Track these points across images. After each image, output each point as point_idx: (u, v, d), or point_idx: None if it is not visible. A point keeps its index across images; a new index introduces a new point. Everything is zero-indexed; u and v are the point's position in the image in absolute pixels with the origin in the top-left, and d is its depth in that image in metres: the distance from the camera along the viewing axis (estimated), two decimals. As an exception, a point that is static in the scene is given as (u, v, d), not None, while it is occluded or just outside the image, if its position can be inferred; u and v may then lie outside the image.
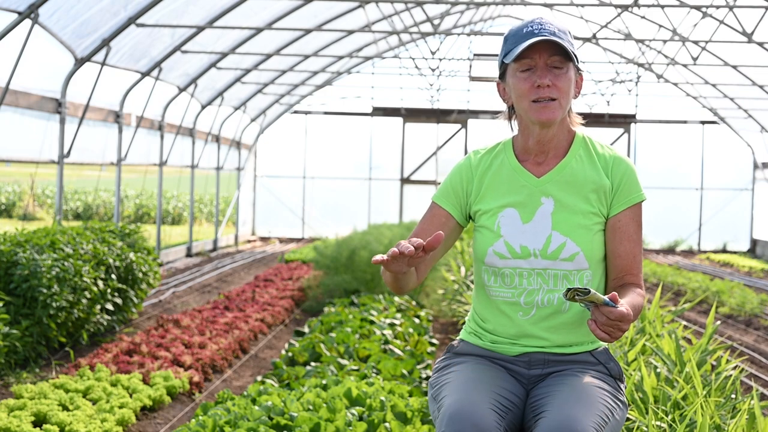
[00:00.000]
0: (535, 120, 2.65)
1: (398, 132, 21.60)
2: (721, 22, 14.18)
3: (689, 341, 8.15)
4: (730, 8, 12.06)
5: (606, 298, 2.37)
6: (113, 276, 8.05)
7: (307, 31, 15.43)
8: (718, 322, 4.98)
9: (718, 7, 12.26)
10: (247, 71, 16.23)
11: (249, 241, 21.26)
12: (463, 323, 5.19)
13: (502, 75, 2.72)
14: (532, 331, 2.68)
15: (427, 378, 6.18)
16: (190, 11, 12.03)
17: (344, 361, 6.41)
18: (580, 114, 2.80)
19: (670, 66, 18.43)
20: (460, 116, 21.27)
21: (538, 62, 2.62)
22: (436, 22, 16.78)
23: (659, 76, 19.84)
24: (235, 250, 19.10)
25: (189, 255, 16.91)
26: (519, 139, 2.77)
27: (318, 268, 11.43)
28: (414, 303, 9.75)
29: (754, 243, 21.73)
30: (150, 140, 14.30)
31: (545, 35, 2.60)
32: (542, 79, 2.60)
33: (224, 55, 14.21)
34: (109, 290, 7.92)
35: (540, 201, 2.68)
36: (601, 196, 2.68)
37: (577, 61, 2.66)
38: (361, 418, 4.66)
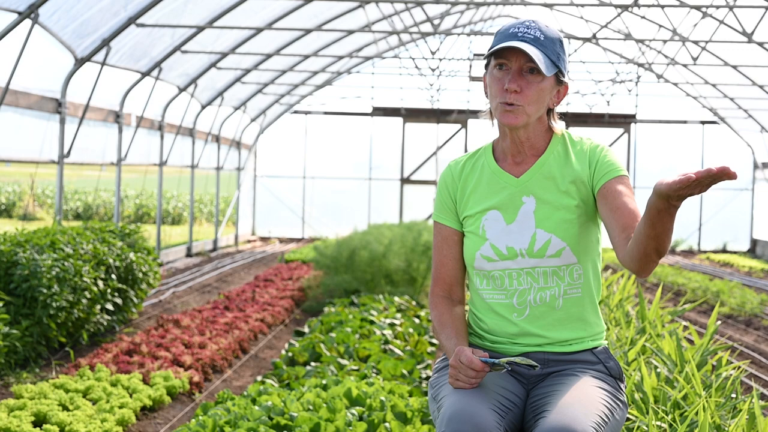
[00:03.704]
0: (499, 121, 2.67)
1: (398, 132, 21.61)
2: (721, 22, 14.18)
3: (690, 341, 8.16)
4: (730, 8, 12.06)
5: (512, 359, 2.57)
6: (113, 276, 8.05)
7: (307, 31, 15.43)
8: (719, 322, 4.98)
9: (718, 7, 12.27)
10: (247, 71, 16.23)
11: (249, 241, 21.26)
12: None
13: (487, 66, 2.72)
14: (530, 330, 2.69)
15: (427, 378, 6.18)
16: (190, 11, 12.03)
17: (344, 361, 6.41)
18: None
19: (670, 66, 18.44)
20: (460, 116, 21.27)
21: (513, 65, 2.62)
22: (436, 22, 16.78)
23: (659, 76, 19.85)
24: (235, 250, 19.10)
25: (189, 255, 16.91)
26: (498, 141, 2.78)
27: (318, 268, 11.43)
28: (414, 303, 9.75)
29: (754, 243, 21.73)
30: (150, 140, 14.30)
31: (524, 41, 2.60)
32: (511, 83, 2.60)
33: (224, 55, 14.21)
34: (109, 290, 7.92)
35: (521, 200, 2.69)
36: (580, 186, 2.67)
37: (564, 72, 2.66)
38: (361, 418, 4.66)
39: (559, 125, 2.77)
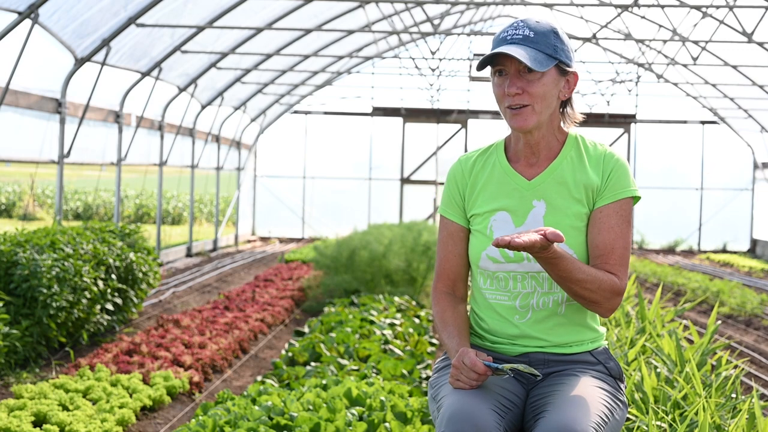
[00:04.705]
0: (510, 127, 2.66)
1: (398, 132, 21.60)
2: (721, 22, 14.18)
3: (690, 341, 8.15)
4: (730, 8, 12.05)
5: (511, 367, 2.56)
6: (113, 276, 8.05)
7: (307, 31, 15.43)
8: (719, 322, 4.98)
9: (718, 7, 12.26)
10: (247, 71, 16.23)
11: (249, 241, 21.26)
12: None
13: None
14: (530, 333, 2.68)
15: (427, 378, 6.18)
16: (190, 11, 12.03)
17: (344, 361, 6.41)
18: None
19: (670, 66, 18.44)
20: (460, 116, 21.27)
21: (510, 69, 2.61)
22: (436, 22, 16.78)
23: (659, 76, 19.85)
24: (235, 250, 19.10)
25: (189, 255, 16.91)
26: (512, 141, 2.76)
27: (318, 268, 11.43)
28: (414, 303, 9.75)
29: (754, 243, 21.73)
30: (150, 140, 14.30)
31: (513, 43, 2.59)
32: (510, 87, 2.60)
33: (224, 55, 14.21)
34: (109, 290, 7.92)
35: (531, 204, 2.67)
36: (589, 194, 2.66)
37: (567, 61, 2.64)
38: (361, 418, 4.66)
39: (574, 122, 2.74)
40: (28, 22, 8.77)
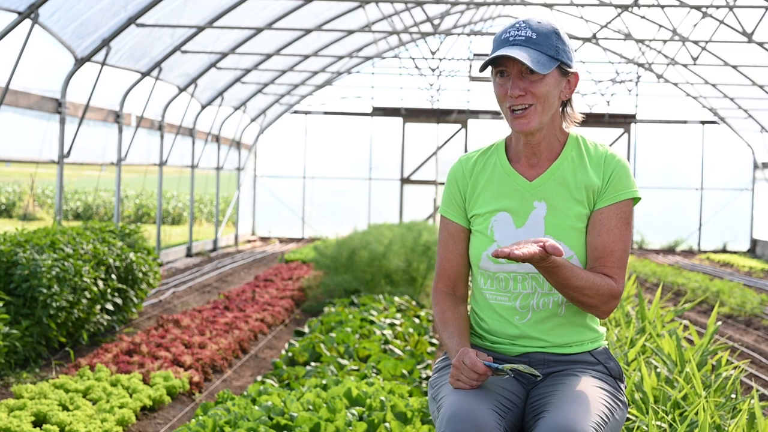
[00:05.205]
0: (512, 128, 2.66)
1: (398, 132, 21.61)
2: (721, 22, 14.18)
3: (690, 342, 8.15)
4: (730, 8, 12.05)
5: (514, 367, 2.57)
6: (113, 276, 8.05)
7: (307, 31, 15.43)
8: (719, 322, 4.98)
9: (718, 7, 12.26)
10: (247, 71, 16.23)
11: (249, 241, 21.26)
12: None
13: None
14: (531, 333, 2.68)
15: (427, 378, 6.18)
16: (190, 11, 12.03)
17: (344, 361, 6.41)
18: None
19: (670, 66, 18.44)
20: (460, 116, 21.27)
21: (512, 70, 2.61)
22: (436, 22, 16.78)
23: (659, 76, 19.85)
24: (235, 250, 19.10)
25: (189, 255, 16.91)
26: (512, 141, 2.76)
27: (318, 268, 11.43)
28: (414, 303, 9.75)
29: (754, 243, 21.73)
30: (150, 140, 14.30)
31: (516, 45, 2.58)
32: (513, 89, 2.59)
33: (224, 55, 14.21)
34: (109, 290, 7.91)
35: (532, 205, 2.67)
36: (590, 195, 2.67)
37: (568, 62, 2.63)
38: (361, 418, 4.66)
39: (574, 122, 2.74)
40: (28, 22, 8.77)
